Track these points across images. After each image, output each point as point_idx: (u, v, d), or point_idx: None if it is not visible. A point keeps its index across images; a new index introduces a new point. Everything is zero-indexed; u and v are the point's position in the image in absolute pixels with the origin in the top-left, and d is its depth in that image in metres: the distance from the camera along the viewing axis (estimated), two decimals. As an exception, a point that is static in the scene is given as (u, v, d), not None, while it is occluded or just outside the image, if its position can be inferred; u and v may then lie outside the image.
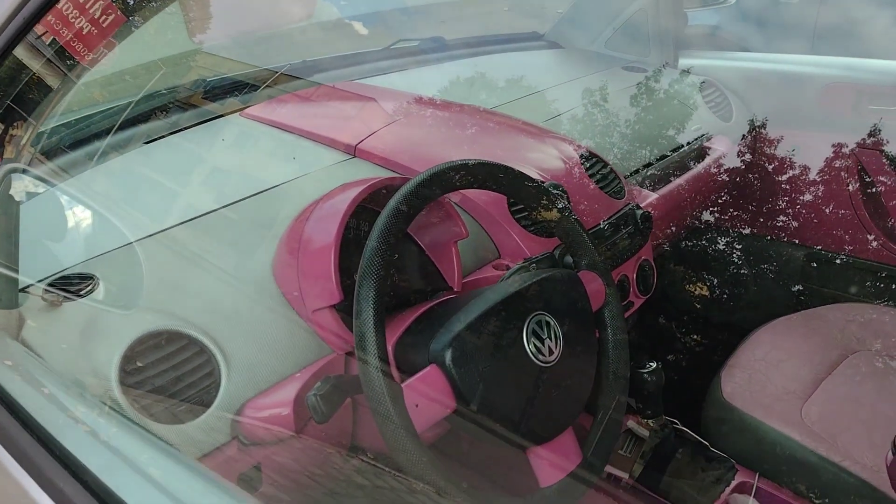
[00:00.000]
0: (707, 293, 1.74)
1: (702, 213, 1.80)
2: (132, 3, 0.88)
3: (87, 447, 0.60)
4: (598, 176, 1.39)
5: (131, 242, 0.88)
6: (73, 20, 0.83)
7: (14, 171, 0.84)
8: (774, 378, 1.27)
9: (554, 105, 1.74)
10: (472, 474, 0.83)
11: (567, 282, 0.97)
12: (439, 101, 1.64)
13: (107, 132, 1.22)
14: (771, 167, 1.82)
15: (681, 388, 1.39)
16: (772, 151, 1.82)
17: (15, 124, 0.91)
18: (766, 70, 2.14)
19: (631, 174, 1.62)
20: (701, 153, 1.80)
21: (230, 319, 0.92)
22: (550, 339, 0.89)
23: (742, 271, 1.81)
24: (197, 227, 1.02)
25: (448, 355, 0.82)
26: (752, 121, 1.91)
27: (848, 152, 1.74)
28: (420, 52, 1.96)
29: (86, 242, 0.93)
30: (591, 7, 2.21)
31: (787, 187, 1.81)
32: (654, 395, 1.20)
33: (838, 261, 1.76)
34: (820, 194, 1.78)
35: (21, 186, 0.87)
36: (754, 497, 1.14)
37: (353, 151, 1.28)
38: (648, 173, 1.64)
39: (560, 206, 1.05)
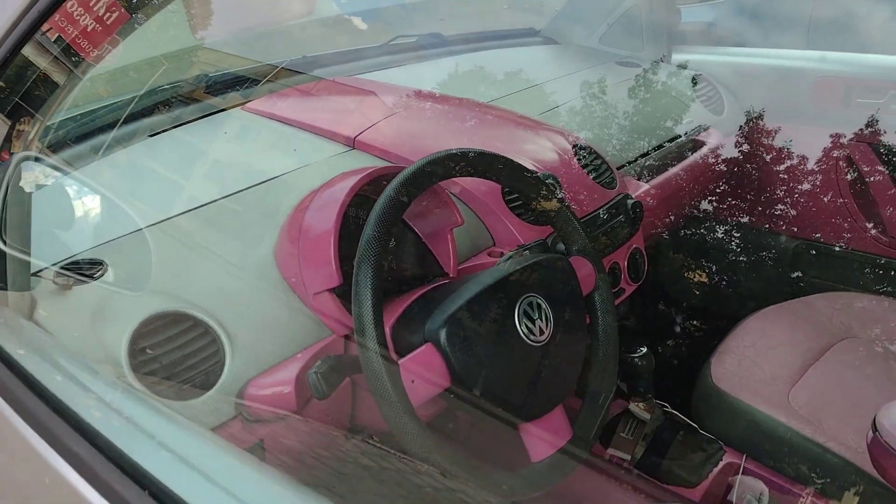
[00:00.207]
0: (697, 282, 1.77)
1: (693, 204, 1.83)
2: (135, 1, 0.90)
3: (100, 415, 0.63)
4: (591, 167, 1.42)
5: (141, 228, 0.91)
6: (79, 18, 0.85)
7: (27, 158, 0.87)
8: (763, 364, 1.29)
9: (549, 99, 1.77)
10: (466, 450, 0.86)
11: (558, 266, 1.00)
12: (438, 94, 1.67)
13: (112, 126, 1.24)
14: (762, 160, 1.85)
15: (672, 373, 1.42)
16: (763, 144, 1.85)
17: (22, 120, 0.94)
18: (758, 65, 2.17)
19: (623, 166, 1.65)
20: (693, 146, 1.83)
21: (234, 303, 0.95)
22: (541, 319, 0.92)
23: (732, 260, 1.84)
24: (201, 216, 1.05)
25: (443, 334, 0.85)
26: (745, 114, 1.94)
27: (836, 144, 1.77)
28: (419, 48, 1.98)
29: (94, 230, 0.96)
30: (586, 3, 2.25)
31: (778, 179, 1.84)
32: (645, 378, 1.24)
33: (827, 251, 1.78)
34: (810, 186, 1.81)
35: (32, 177, 0.90)
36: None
37: (352, 143, 1.31)
38: (640, 165, 1.67)
39: (553, 195, 1.08)
